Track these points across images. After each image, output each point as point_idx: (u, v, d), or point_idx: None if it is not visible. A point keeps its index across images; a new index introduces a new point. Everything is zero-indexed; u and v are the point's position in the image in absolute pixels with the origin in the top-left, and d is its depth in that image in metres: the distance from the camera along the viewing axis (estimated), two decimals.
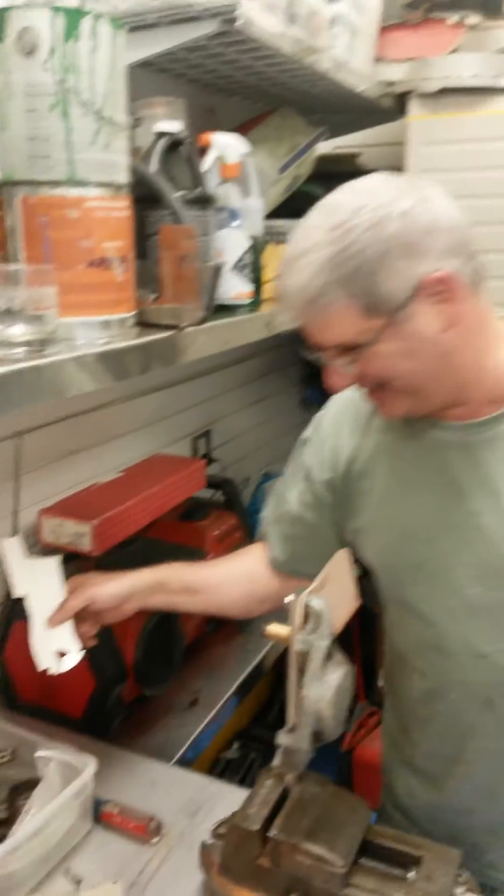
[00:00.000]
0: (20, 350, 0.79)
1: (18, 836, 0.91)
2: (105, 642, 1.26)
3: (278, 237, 1.57)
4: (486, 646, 0.92)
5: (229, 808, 0.93)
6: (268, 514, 1.15)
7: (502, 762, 0.98)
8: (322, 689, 0.77)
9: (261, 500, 2.07)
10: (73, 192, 0.87)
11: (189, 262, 1.02)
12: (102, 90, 0.86)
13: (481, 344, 0.85)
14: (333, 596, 0.83)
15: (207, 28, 1.12)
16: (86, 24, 0.83)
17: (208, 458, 1.97)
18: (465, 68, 1.61)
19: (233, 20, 1.10)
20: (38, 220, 0.87)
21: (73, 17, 0.82)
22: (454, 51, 1.71)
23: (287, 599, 0.81)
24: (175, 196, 1.05)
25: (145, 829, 1.01)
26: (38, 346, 0.81)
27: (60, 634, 1.03)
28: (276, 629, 0.85)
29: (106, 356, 0.91)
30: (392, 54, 1.70)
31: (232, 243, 1.21)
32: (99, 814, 1.04)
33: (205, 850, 0.91)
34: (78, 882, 0.95)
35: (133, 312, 0.97)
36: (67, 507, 1.34)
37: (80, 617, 1.05)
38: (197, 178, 1.15)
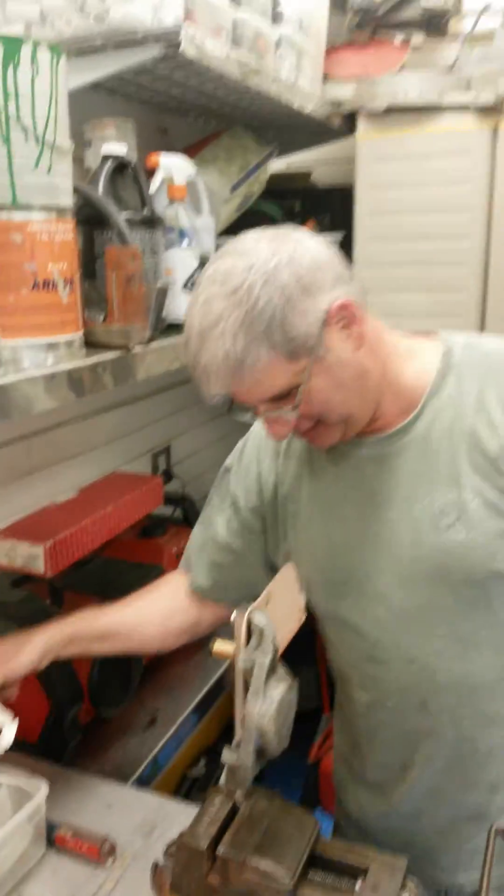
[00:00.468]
0: None
1: None
2: (59, 664, 1.26)
3: None
4: (415, 650, 0.95)
5: (184, 827, 0.94)
6: (193, 541, 1.15)
7: (442, 762, 1.00)
8: (264, 704, 0.78)
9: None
10: (16, 217, 0.87)
11: (136, 282, 1.03)
12: (44, 115, 0.87)
13: (383, 357, 0.90)
14: (278, 611, 0.84)
15: (152, 52, 1.14)
16: (25, 52, 0.84)
17: (168, 475, 1.97)
18: (410, 87, 1.65)
19: (177, 45, 1.12)
20: None
21: (12, 45, 0.83)
22: (400, 70, 1.75)
23: (232, 617, 0.81)
24: (121, 217, 1.06)
25: (98, 852, 1.01)
26: None
27: None
28: (221, 647, 0.85)
29: (53, 378, 0.91)
30: (339, 73, 1.74)
31: (181, 263, 1.23)
32: (52, 837, 1.04)
33: (157, 870, 0.91)
34: None
35: (80, 333, 0.98)
36: (21, 529, 1.34)
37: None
38: (144, 200, 1.16)
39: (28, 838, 0.99)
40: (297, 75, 1.56)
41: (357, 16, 1.76)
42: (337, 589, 0.98)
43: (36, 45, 0.85)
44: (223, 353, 0.80)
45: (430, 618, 0.93)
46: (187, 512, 1.79)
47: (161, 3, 1.10)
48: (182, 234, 1.23)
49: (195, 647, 1.65)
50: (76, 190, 0.99)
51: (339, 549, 0.97)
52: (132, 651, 1.17)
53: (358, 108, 1.70)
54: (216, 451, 2.27)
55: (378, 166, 1.73)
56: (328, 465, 0.98)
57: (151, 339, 1.08)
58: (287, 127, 1.80)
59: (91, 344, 1.01)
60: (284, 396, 0.85)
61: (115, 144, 1.14)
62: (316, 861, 0.85)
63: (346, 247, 1.80)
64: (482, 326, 1.72)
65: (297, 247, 0.83)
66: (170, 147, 1.49)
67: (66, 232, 0.92)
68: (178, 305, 1.21)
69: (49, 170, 0.90)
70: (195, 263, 1.24)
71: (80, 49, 1.15)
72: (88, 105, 1.30)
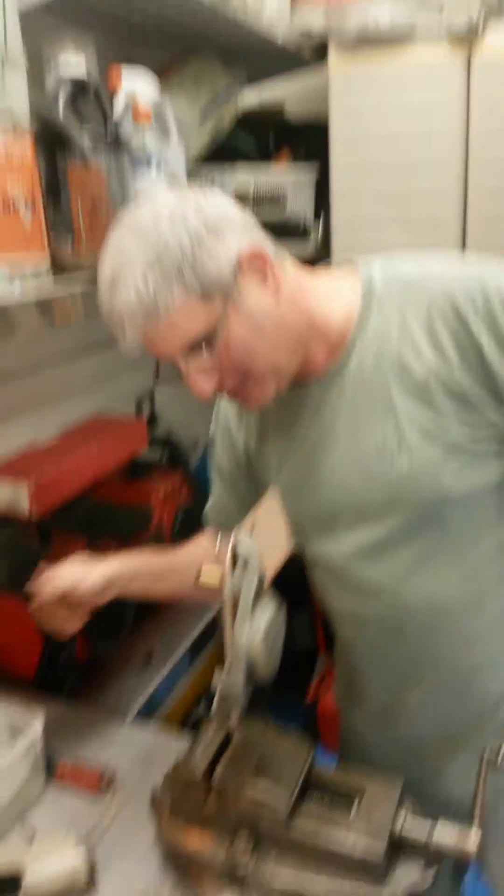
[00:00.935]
0: None
1: None
2: None
3: (207, 181, 1.54)
4: (383, 580, 0.96)
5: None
6: (208, 506, 1.18)
7: (432, 685, 1.02)
8: (252, 629, 0.77)
9: (207, 461, 2.06)
10: None
11: (103, 207, 0.99)
12: None
13: (306, 307, 0.90)
14: (263, 538, 0.82)
15: None
16: None
17: (153, 419, 1.95)
18: (381, 14, 1.57)
19: None
20: None
21: None
22: None
23: (216, 545, 0.80)
24: (83, 136, 1.01)
25: (98, 783, 1.02)
26: None
27: None
28: (206, 577, 0.84)
29: (20, 307, 0.88)
30: (308, 1, 1.65)
31: (151, 188, 1.18)
32: (53, 770, 1.04)
33: (155, 800, 0.91)
34: (31, 838, 0.95)
35: (46, 261, 0.94)
36: (1, 470, 1.31)
37: (60, 603, 1.04)
38: (108, 124, 1.10)
39: (27, 770, 1.00)
40: (265, 1, 1.48)
41: None
42: (307, 530, 0.99)
43: None
44: (135, 295, 0.79)
45: (390, 547, 0.94)
46: (173, 455, 1.77)
47: None
48: (150, 159, 1.18)
49: None
50: (34, 111, 0.94)
51: (302, 493, 0.98)
52: (186, 595, 1.18)
53: (328, 36, 1.62)
54: None
55: (351, 98, 1.65)
56: (278, 416, 0.99)
57: None
58: (257, 58, 1.72)
59: (57, 272, 0.98)
60: (203, 341, 0.84)
61: (74, 64, 1.08)
62: (311, 786, 0.86)
63: (324, 183, 1.75)
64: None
65: (204, 197, 0.84)
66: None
67: (24, 150, 0.88)
68: None
69: (3, 89, 0.85)
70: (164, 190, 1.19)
71: None
72: (46, 32, 1.23)
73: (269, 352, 0.86)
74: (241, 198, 1.58)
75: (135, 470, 1.69)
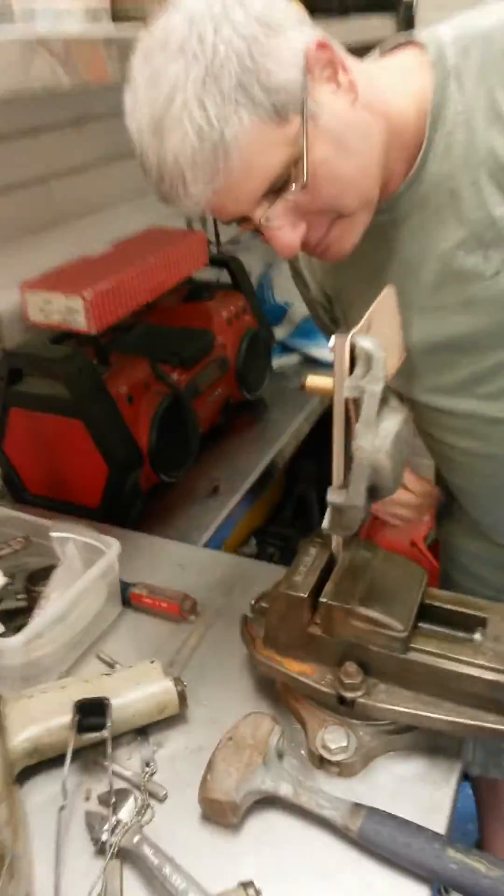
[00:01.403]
0: None
1: (42, 621, 0.84)
2: (116, 428, 1.15)
3: None
4: (495, 411, 0.86)
5: (267, 584, 0.87)
6: None
7: None
8: (378, 437, 0.65)
9: (262, 291, 1.90)
10: None
11: None
12: None
13: (379, 103, 0.72)
14: (381, 338, 0.69)
15: None
16: None
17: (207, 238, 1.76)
18: None
19: None
20: None
21: None
22: None
23: (330, 343, 0.67)
24: None
25: (179, 608, 0.95)
26: None
27: None
28: (316, 380, 0.72)
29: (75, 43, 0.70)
30: None
31: None
32: (127, 597, 0.98)
33: (246, 623, 0.84)
34: (113, 664, 0.90)
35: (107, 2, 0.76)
36: (54, 281, 1.17)
37: None
38: None
39: (103, 596, 0.93)
40: None
41: None
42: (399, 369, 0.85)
43: None
44: (195, 132, 0.61)
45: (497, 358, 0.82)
46: (235, 274, 1.60)
47: None
48: None
49: (251, 420, 1.56)
50: None
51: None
52: None
53: None
54: None
55: None
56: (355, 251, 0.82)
57: None
58: None
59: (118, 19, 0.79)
60: (286, 181, 0.67)
61: None
62: (424, 611, 0.78)
63: None
64: None
65: None
66: None
67: None
68: None
69: None
70: None
71: None
72: None
73: (358, 174, 0.70)
74: None
75: (193, 291, 1.54)
